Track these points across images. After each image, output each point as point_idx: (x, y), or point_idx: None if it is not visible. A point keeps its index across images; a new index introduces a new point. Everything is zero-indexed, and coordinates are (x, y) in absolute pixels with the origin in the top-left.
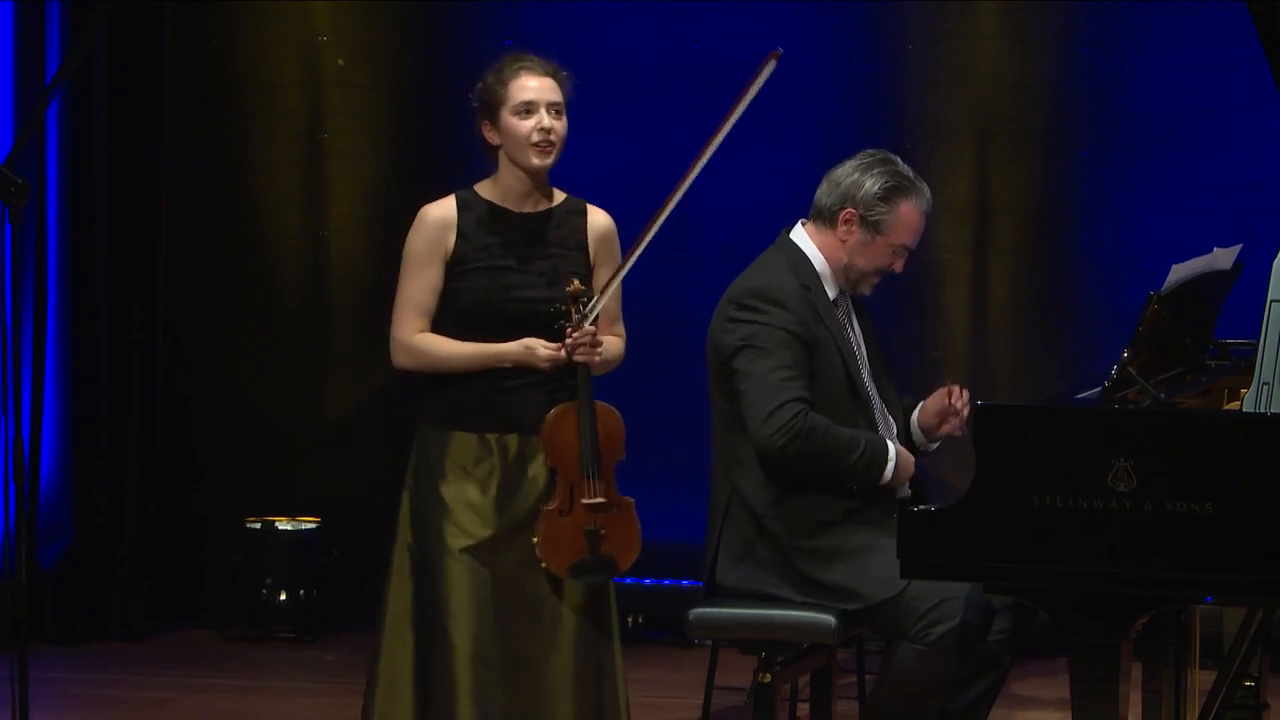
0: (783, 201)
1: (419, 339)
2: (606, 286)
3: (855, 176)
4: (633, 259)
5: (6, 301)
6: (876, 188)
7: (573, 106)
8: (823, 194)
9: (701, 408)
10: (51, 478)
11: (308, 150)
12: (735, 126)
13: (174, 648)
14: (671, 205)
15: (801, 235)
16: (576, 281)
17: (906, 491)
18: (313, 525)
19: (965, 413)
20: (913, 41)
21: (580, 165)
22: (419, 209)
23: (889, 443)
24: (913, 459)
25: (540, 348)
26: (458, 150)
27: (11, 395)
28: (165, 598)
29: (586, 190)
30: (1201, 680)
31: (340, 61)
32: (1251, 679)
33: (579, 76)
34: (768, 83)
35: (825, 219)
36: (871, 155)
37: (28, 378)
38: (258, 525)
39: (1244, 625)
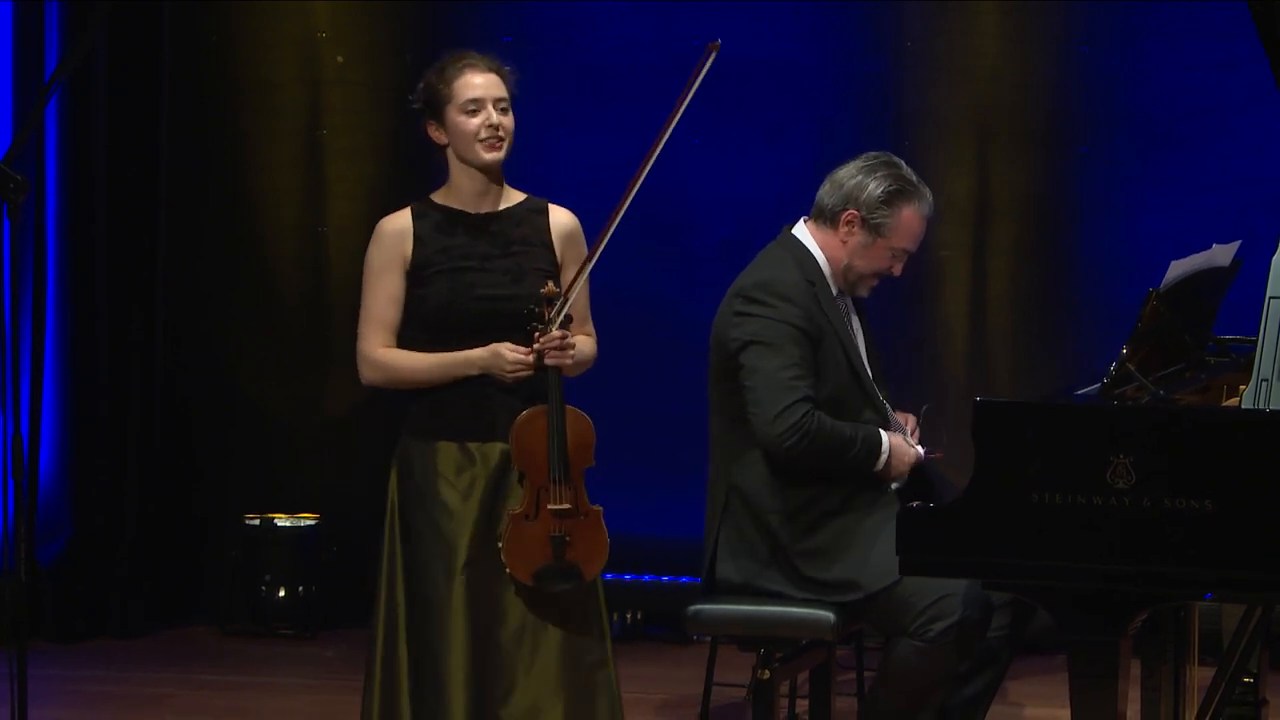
0: (782, 201)
1: (382, 354)
2: (570, 287)
3: (859, 178)
4: (592, 260)
5: (5, 299)
6: (880, 191)
7: (573, 106)
8: (825, 194)
9: (701, 405)
10: (51, 475)
11: (307, 148)
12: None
13: (173, 644)
14: (625, 206)
15: (804, 232)
16: (551, 284)
17: (897, 484)
18: (312, 522)
19: (915, 437)
20: (912, 40)
21: (581, 164)
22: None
23: (883, 434)
24: (913, 452)
25: (508, 351)
26: None
27: (11, 393)
28: (165, 595)
29: (586, 189)
30: (1200, 676)
31: (340, 59)
32: (1251, 675)
33: (578, 75)
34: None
35: (827, 219)
36: (875, 157)
37: (26, 375)
38: (257, 522)
39: (1243, 622)
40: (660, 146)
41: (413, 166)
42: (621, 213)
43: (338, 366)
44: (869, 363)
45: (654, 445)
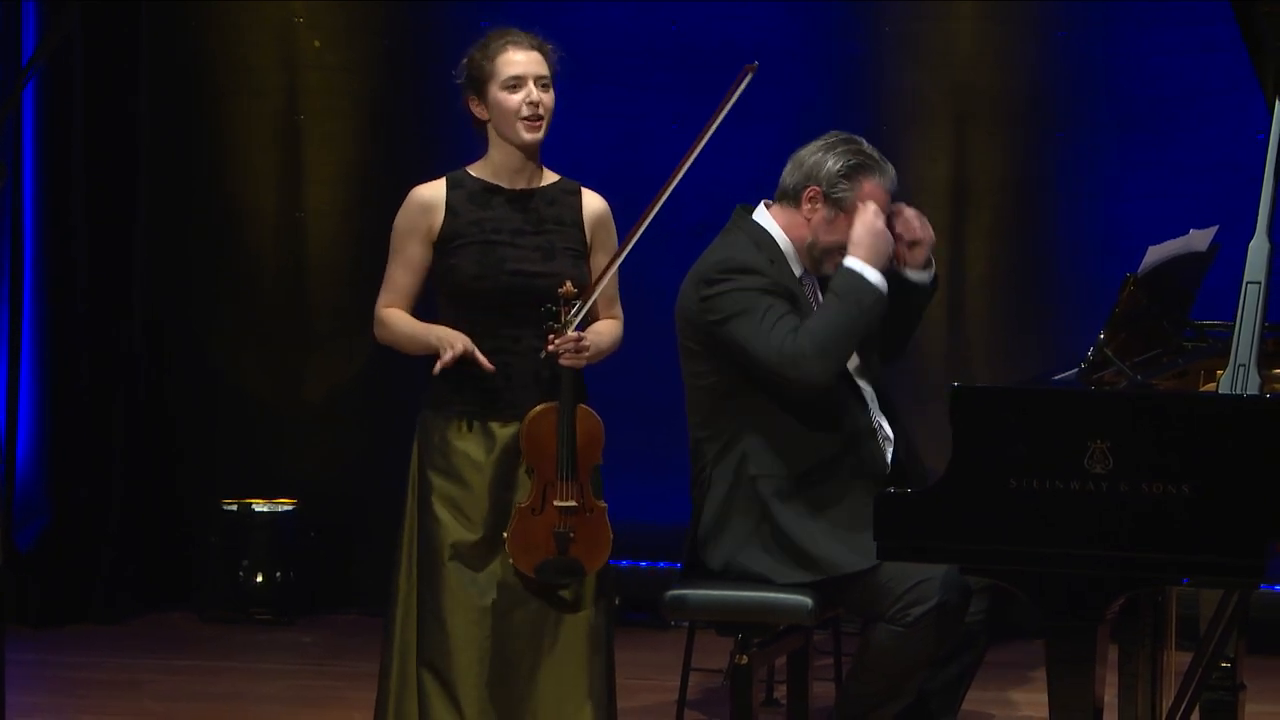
0: (760, 184)
1: (384, 312)
2: (592, 289)
3: (818, 156)
4: (619, 260)
5: None
6: (839, 166)
7: (556, 87)
8: (787, 174)
9: (678, 391)
10: (30, 460)
11: (284, 132)
12: (711, 110)
13: (152, 630)
14: (655, 209)
15: (765, 216)
16: (569, 284)
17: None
18: (290, 507)
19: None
20: (890, 23)
21: (561, 147)
22: (397, 190)
23: (856, 264)
24: (879, 223)
25: (450, 344)
26: (434, 132)
27: None
28: (144, 580)
29: (567, 172)
30: (1178, 661)
31: (317, 44)
32: (1228, 660)
33: (558, 59)
34: (745, 64)
35: (790, 198)
36: (835, 135)
37: (5, 360)
38: (234, 507)
39: (1220, 606)
40: (691, 159)
41: (390, 150)
42: (652, 215)
43: (317, 351)
44: None
45: (631, 430)
